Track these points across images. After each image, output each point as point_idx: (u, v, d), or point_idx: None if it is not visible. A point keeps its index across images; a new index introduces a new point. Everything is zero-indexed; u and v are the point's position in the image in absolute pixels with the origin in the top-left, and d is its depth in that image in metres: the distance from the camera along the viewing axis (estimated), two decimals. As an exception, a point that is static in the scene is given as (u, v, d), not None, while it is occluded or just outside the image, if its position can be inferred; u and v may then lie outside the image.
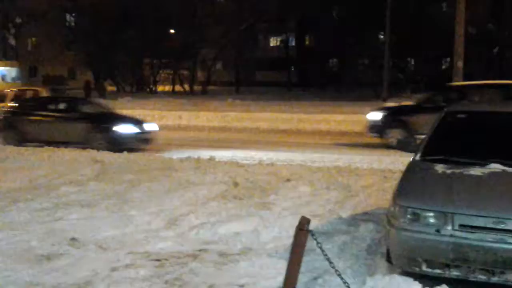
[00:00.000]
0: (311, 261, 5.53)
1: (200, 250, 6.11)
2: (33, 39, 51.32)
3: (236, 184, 9.13)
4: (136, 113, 24.17)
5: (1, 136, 15.78)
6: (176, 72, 47.25)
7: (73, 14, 48.82)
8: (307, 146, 15.73)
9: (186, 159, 11.78)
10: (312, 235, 4.00)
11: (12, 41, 41.02)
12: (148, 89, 46.18)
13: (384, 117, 15.91)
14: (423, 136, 6.34)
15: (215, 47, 45.12)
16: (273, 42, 57.29)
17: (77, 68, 51.66)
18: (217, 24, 42.91)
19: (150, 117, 23.23)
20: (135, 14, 42.19)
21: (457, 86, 17.03)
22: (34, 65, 52.65)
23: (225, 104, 28.17)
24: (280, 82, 48.99)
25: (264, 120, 21.82)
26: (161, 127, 21.42)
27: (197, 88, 46.27)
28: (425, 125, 14.11)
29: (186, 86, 46.23)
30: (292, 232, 6.30)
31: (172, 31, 46.84)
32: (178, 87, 47.15)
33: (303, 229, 3.95)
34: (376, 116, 16.12)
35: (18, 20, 40.90)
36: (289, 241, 6.06)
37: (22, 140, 15.25)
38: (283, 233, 6.62)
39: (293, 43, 53.87)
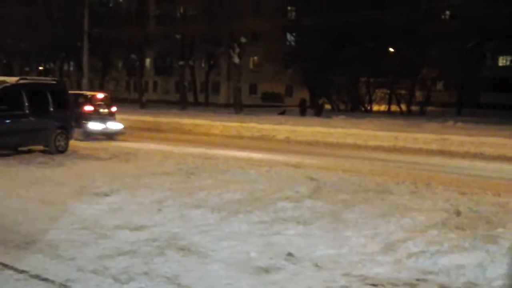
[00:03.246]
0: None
1: (418, 280, 5.79)
2: (255, 57, 54.40)
3: (458, 213, 8.53)
4: (350, 132, 24.28)
5: None
6: (393, 91, 46.51)
7: (294, 34, 50.74)
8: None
9: (402, 182, 11.37)
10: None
11: (236, 60, 43.84)
12: (363, 108, 46.09)
13: None
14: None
15: (436, 66, 43.53)
16: (502, 61, 53.61)
17: (294, 86, 53.47)
18: (440, 42, 41.35)
19: (364, 137, 23.16)
20: (354, 33, 42.52)
21: None
22: (254, 83, 55.69)
23: (445, 127, 26.84)
24: (509, 105, 45.46)
25: (489, 145, 20.25)
26: (375, 148, 21.32)
27: (414, 108, 45.01)
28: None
29: (403, 106, 45.22)
30: (524, 271, 5.70)
31: (391, 49, 46.28)
32: (394, 107, 46.34)
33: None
34: None
35: (242, 40, 43.64)
36: (521, 280, 5.48)
37: None
38: (512, 270, 5.99)
39: (526, 63, 49.82)
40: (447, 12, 47.55)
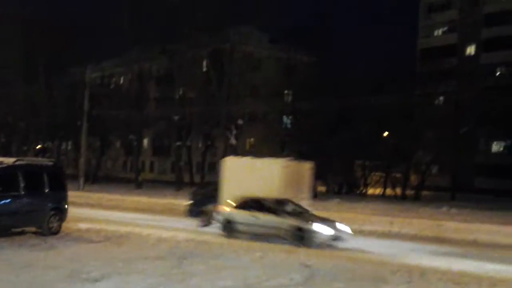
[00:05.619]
0: None
1: None
2: (251, 139, 54.98)
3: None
4: (345, 216, 24.12)
5: None
6: (388, 175, 46.75)
7: (290, 116, 51.47)
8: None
9: (398, 271, 11.27)
10: None
11: (232, 141, 44.29)
12: (358, 191, 46.17)
13: None
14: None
15: (431, 150, 44.03)
16: (496, 147, 54.29)
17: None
18: (434, 127, 42.01)
19: (359, 221, 23.01)
20: (350, 116, 43.22)
21: None
22: (251, 164, 55.87)
23: (440, 212, 26.82)
24: (502, 191, 45.58)
25: (483, 232, 20.16)
26: (370, 233, 21.13)
27: (409, 192, 45.09)
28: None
29: (398, 190, 45.32)
30: None
31: (386, 133, 46.89)
32: (389, 190, 46.43)
33: None
34: None
35: (239, 122, 44.32)
36: None
37: None
38: None
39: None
40: (441, 98, 48.53)
